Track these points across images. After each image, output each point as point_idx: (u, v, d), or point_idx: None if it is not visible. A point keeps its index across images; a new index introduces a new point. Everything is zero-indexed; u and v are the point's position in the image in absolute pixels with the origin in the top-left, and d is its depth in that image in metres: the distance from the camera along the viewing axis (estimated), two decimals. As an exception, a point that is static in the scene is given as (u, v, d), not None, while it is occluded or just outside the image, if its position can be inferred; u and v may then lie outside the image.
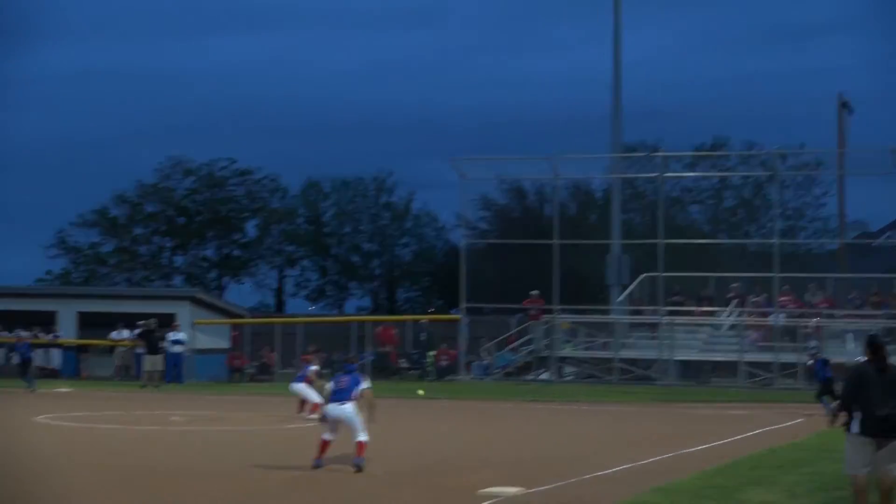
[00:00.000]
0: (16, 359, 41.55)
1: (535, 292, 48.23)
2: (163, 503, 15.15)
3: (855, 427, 13.28)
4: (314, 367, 29.72)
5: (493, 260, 61.43)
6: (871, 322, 42.70)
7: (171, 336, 44.43)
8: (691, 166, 67.46)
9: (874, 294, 45.64)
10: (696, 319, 47.22)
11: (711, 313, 47.37)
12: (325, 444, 18.63)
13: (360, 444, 18.23)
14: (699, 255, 53.24)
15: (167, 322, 45.45)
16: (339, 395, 18.57)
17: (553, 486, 16.70)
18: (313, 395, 28.66)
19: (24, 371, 40.35)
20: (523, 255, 56.33)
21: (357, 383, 18.70)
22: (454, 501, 15.08)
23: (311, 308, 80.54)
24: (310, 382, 28.86)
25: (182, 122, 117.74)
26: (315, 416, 28.23)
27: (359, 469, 17.85)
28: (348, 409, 18.44)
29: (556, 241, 47.86)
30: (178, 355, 44.58)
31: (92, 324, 48.76)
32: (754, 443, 23.25)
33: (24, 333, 44.68)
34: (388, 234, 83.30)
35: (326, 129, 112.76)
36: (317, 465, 18.39)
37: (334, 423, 18.57)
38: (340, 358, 21.06)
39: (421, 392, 34.27)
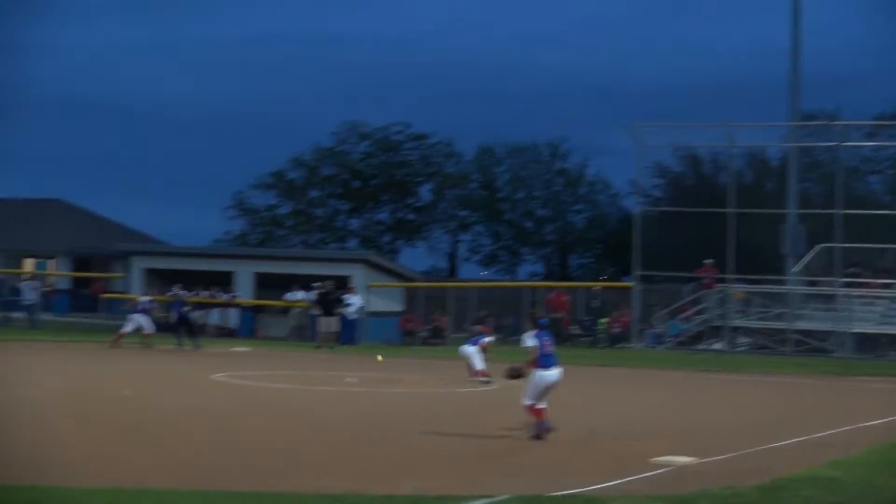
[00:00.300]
0: (173, 317, 41.78)
1: (709, 261, 47.68)
2: (343, 463, 15.40)
3: None
4: (489, 339, 30.06)
5: (667, 228, 60.86)
6: None
7: (346, 298, 45.03)
8: (871, 135, 65.81)
9: None
10: (874, 291, 46.22)
11: (890, 286, 46.33)
12: (541, 412, 17.92)
13: (543, 411, 17.94)
14: (878, 226, 51.96)
15: (342, 284, 46.09)
16: (550, 360, 17.99)
17: (725, 456, 16.55)
18: (478, 362, 28.95)
19: (180, 329, 40.64)
20: (697, 223, 55.76)
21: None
22: (627, 468, 15.04)
23: (484, 273, 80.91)
24: (483, 350, 29.19)
25: (358, 86, 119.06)
26: (484, 379, 28.48)
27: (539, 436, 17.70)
28: (560, 374, 18.04)
29: (730, 210, 47.29)
30: (352, 318, 45.19)
31: (268, 285, 49.71)
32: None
33: (180, 291, 45.39)
34: (561, 200, 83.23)
35: (501, 95, 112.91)
36: (545, 429, 17.67)
37: (547, 391, 17.99)
38: (528, 313, 19.84)
39: (380, 358, 33.77)
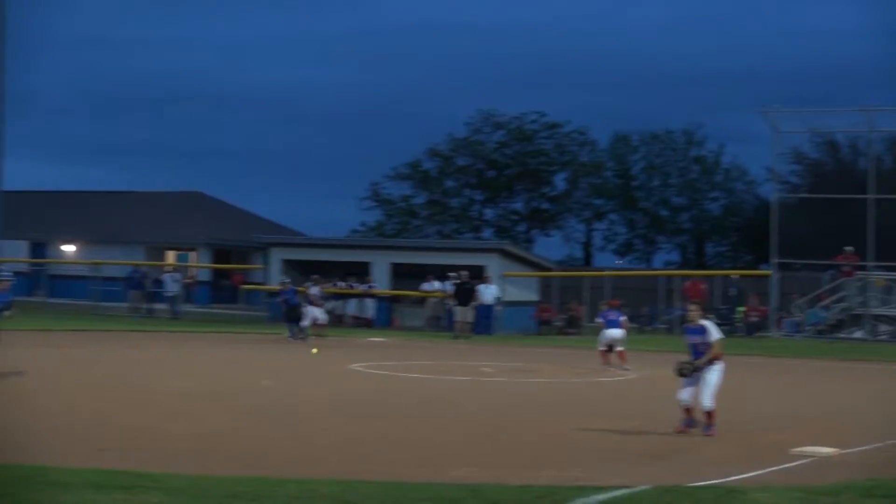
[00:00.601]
0: (284, 306, 40.80)
1: (849, 248, 46.78)
2: (480, 452, 15.46)
3: None
4: (625, 317, 30.13)
5: (805, 215, 59.86)
6: None
7: (482, 288, 45.10)
8: None
9: None
10: None
11: None
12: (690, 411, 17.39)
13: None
14: None
15: (477, 274, 46.16)
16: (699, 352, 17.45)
17: (868, 447, 16.28)
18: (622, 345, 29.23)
19: (292, 317, 40.03)
20: (836, 210, 54.74)
21: None
22: (767, 459, 14.87)
23: (619, 262, 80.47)
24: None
25: (492, 76, 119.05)
26: (625, 368, 28.48)
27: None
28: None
29: (870, 196, 46.37)
30: (488, 307, 45.23)
31: (404, 275, 49.97)
32: None
33: (286, 280, 45.43)
34: (697, 187, 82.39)
35: (635, 82, 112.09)
36: (688, 425, 17.25)
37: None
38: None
39: (314, 351, 33.30)
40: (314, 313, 40.47)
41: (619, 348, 29.89)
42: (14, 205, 64.19)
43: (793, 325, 46.01)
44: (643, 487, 12.30)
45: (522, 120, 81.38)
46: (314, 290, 41.95)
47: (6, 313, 22.50)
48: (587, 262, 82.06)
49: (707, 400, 17.16)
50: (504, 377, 27.57)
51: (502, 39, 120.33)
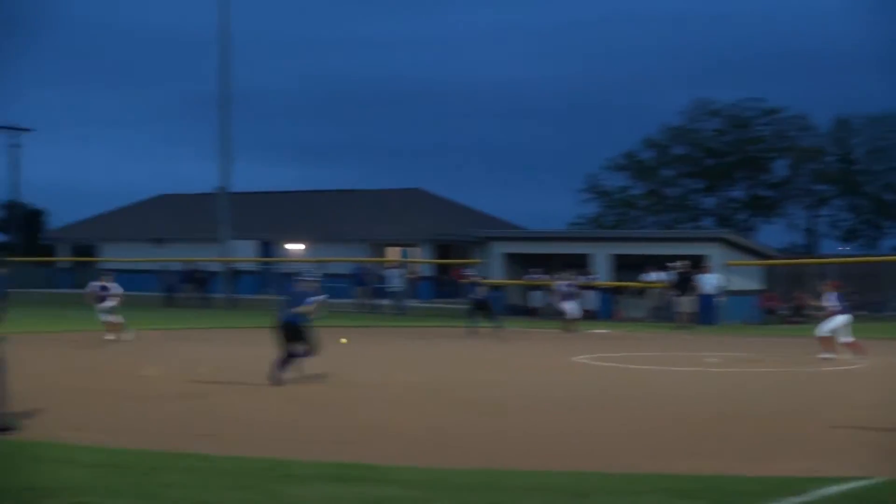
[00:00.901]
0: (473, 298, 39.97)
1: None
2: (711, 444, 15.35)
3: None
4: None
5: None
6: None
7: (704, 278, 44.63)
8: None
9: None
10: None
11: None
12: None
13: None
14: None
15: (698, 264, 45.72)
16: None
17: None
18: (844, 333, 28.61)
19: (477, 311, 39.16)
20: None
21: None
22: None
23: (844, 248, 78.72)
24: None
25: (708, 63, 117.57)
26: (830, 356, 27.93)
27: None
28: None
29: None
30: (710, 297, 44.76)
31: (623, 266, 49.82)
32: None
33: (470, 272, 44.77)
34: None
35: (856, 64, 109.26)
36: None
37: None
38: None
39: (343, 340, 32.16)
40: (569, 307, 40.58)
41: (844, 338, 29.18)
42: (243, 206, 66.37)
43: None
44: (882, 479, 12.05)
45: (739, 107, 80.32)
46: (561, 284, 41.99)
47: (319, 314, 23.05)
48: (811, 249, 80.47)
49: None
50: (729, 367, 27.25)
51: (710, 29, 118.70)
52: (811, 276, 48.66)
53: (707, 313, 44.33)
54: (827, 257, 59.17)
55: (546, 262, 50.34)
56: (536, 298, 50.72)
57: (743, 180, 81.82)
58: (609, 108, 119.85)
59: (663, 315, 46.25)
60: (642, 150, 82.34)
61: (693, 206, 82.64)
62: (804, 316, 46.76)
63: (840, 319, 29.10)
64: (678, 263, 44.70)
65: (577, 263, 50.02)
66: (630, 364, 27.70)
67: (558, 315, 41.28)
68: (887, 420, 17.35)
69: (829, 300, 29.43)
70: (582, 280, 48.94)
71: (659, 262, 47.47)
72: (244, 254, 65.20)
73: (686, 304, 43.38)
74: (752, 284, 49.43)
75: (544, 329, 40.62)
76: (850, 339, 29.17)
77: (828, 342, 28.92)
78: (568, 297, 41.01)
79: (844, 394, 21.81)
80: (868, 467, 12.90)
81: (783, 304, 48.80)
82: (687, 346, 33.48)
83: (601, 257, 50.29)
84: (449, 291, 59.16)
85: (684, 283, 43.75)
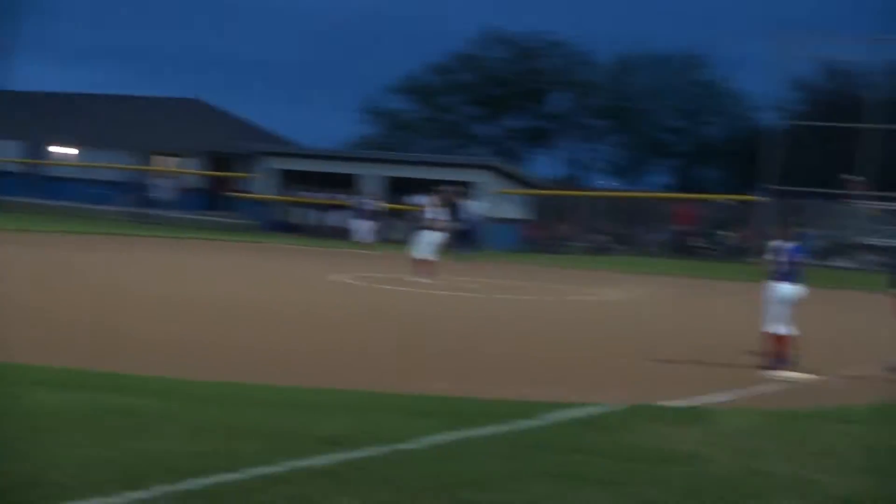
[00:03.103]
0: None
1: (859, 178, 46.23)
2: (453, 367, 15.45)
3: None
4: None
5: (802, 143, 59.73)
6: None
7: (469, 204, 44.94)
8: None
9: None
10: None
11: None
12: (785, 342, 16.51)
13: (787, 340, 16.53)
14: None
15: (468, 190, 46.05)
16: (791, 275, 16.69)
17: (844, 373, 16.37)
18: None
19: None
20: (833, 138, 54.70)
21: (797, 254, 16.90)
22: (742, 383, 14.91)
23: (612, 183, 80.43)
24: None
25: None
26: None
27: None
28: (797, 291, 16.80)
29: (870, 126, 46.20)
30: (475, 223, 45.13)
31: (396, 189, 49.85)
32: None
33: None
34: (695, 111, 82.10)
35: (639, 3, 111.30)
36: (784, 363, 16.20)
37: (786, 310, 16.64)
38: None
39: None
40: (363, 228, 40.19)
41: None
42: (12, 105, 64.01)
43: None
44: (614, 405, 12.30)
45: (527, 38, 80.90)
46: (365, 202, 41.47)
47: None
48: (580, 182, 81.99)
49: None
50: (486, 294, 27.53)
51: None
52: (576, 207, 49.64)
53: (471, 239, 44.72)
54: (595, 191, 60.38)
55: (317, 180, 50.09)
56: (307, 216, 50.43)
57: (521, 110, 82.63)
58: (399, 30, 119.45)
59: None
60: (427, 75, 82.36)
61: (470, 134, 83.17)
62: (566, 246, 47.73)
63: (438, 237, 29.40)
64: (445, 188, 44.85)
65: (348, 183, 49.88)
66: (389, 286, 27.75)
67: (347, 234, 41.02)
68: (634, 350, 17.79)
69: (437, 214, 29.75)
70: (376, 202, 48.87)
71: (429, 187, 47.62)
72: (7, 155, 63.09)
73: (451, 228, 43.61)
74: (519, 213, 50.07)
75: (313, 247, 40.37)
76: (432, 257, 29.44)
77: (428, 265, 29.20)
78: (364, 216, 40.74)
79: (597, 322, 22.28)
80: (606, 395, 13.16)
81: (546, 233, 49.58)
82: (448, 271, 33.69)
83: (373, 178, 50.22)
84: (220, 204, 58.39)
85: (450, 209, 43.93)
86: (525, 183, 51.96)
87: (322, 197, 49.41)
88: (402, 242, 46.96)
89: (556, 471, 9.17)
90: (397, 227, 49.67)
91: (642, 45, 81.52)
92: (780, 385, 15.10)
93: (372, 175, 50.29)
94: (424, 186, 47.76)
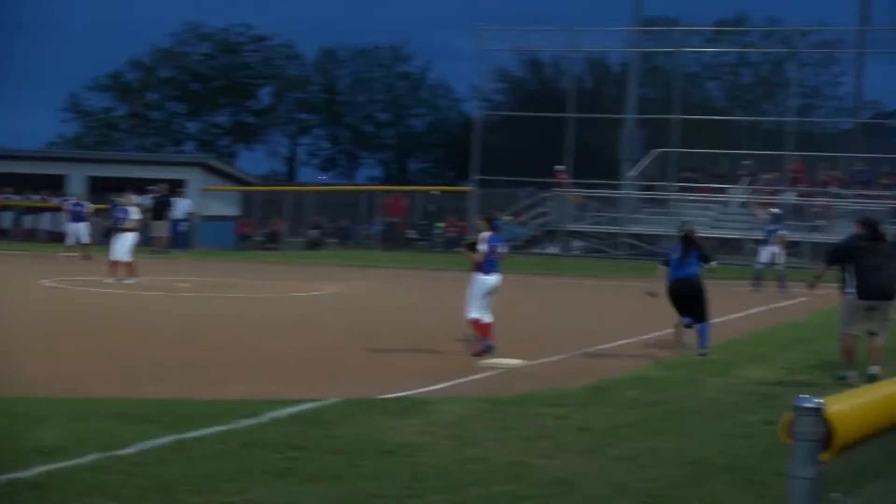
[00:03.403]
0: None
1: (559, 167, 47.58)
2: (170, 368, 15.29)
3: (850, 290, 15.11)
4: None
5: (508, 133, 61.07)
6: (880, 203, 42.71)
7: (178, 203, 44.43)
8: (711, 41, 66.40)
9: (887, 174, 45.39)
10: (707, 196, 47.17)
11: (722, 190, 47.33)
12: (487, 328, 16.93)
13: (489, 326, 16.96)
14: (714, 132, 52.93)
15: (178, 188, 45.49)
16: (494, 265, 17.11)
17: (555, 358, 16.85)
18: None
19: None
20: (538, 128, 56.11)
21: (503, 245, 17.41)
22: (456, 372, 15.22)
23: (322, 177, 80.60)
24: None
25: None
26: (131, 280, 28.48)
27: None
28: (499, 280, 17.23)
29: (570, 115, 47.66)
30: (184, 222, 44.64)
31: (102, 189, 48.77)
32: (757, 321, 23.38)
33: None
34: (402, 103, 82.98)
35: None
36: (488, 348, 16.69)
37: (488, 299, 17.06)
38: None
39: None
40: (78, 231, 38.93)
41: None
42: None
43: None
44: (332, 400, 12.39)
45: (229, 32, 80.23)
46: (74, 204, 40.15)
47: None
48: (290, 177, 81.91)
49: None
50: (199, 292, 27.31)
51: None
52: (289, 203, 49.61)
53: (180, 238, 44.21)
54: (305, 185, 60.45)
55: (19, 181, 48.58)
56: (15, 220, 48.85)
57: (228, 106, 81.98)
58: (98, 26, 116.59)
59: (141, 239, 45.60)
60: (128, 71, 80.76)
61: (177, 131, 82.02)
62: (279, 243, 47.67)
63: (131, 236, 29.44)
64: (156, 187, 44.28)
65: (53, 185, 48.59)
66: (98, 288, 27.19)
67: (62, 237, 39.82)
68: (352, 343, 17.93)
69: (127, 214, 29.76)
70: (55, 202, 47.66)
71: (139, 186, 46.80)
72: None
73: (161, 228, 43.07)
74: (231, 210, 49.74)
75: (22, 252, 39.12)
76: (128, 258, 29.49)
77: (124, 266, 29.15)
78: (77, 218, 39.56)
79: (312, 318, 22.36)
80: (323, 390, 13.25)
81: (259, 230, 49.40)
82: (161, 271, 33.24)
83: (78, 178, 49.02)
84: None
85: (160, 208, 43.40)
86: (237, 180, 51.65)
87: (31, 199, 47.92)
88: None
89: (276, 469, 9.21)
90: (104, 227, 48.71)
91: (348, 38, 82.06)
92: (494, 372, 15.48)
93: (78, 175, 49.06)
94: (133, 185, 47.02)
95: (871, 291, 15.01)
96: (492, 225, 17.35)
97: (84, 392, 12.77)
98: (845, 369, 15.12)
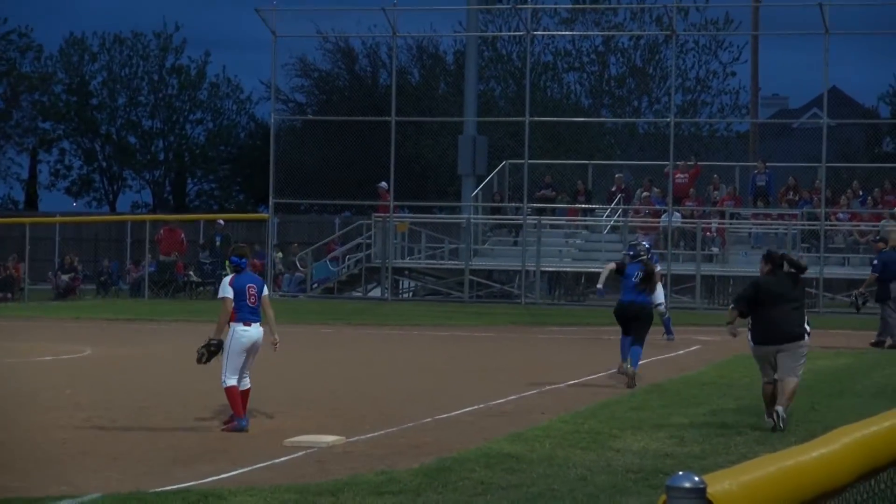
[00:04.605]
0: None
1: (383, 184, 47.00)
2: None
3: (754, 338, 17.14)
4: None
5: (313, 143, 61.27)
6: (785, 224, 43.71)
7: None
8: (569, 22, 67.22)
9: (791, 187, 46.05)
10: (571, 220, 47.71)
11: (589, 212, 47.90)
12: (238, 397, 17.14)
13: (245, 395, 17.27)
14: (576, 138, 53.80)
15: None
16: (251, 313, 17.24)
17: (382, 432, 16.92)
18: None
19: None
20: (351, 136, 56.33)
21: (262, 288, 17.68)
22: (258, 453, 15.21)
23: (74, 204, 79.68)
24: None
25: None
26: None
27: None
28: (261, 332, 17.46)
29: (393, 118, 47.27)
30: None
31: None
32: (640, 377, 23.74)
33: None
34: (175, 106, 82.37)
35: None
36: (241, 427, 16.93)
37: (247, 358, 17.29)
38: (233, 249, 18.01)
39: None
40: None
41: None
42: None
43: (294, 283, 46.92)
44: (92, 496, 12.30)
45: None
46: None
47: None
48: (31, 205, 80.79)
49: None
50: None
51: None
52: (30, 239, 48.92)
53: None
54: (50, 216, 59.68)
55: None
56: None
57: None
58: None
59: None
60: None
61: None
62: (17, 290, 46.98)
63: None
64: None
65: None
66: None
67: None
68: (109, 423, 17.75)
69: None
70: None
71: None
72: None
73: None
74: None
75: None
76: None
77: None
78: None
79: (62, 391, 22.08)
80: (79, 482, 13.15)
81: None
82: None
83: None
84: None
85: None
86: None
87: None
88: None
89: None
90: None
91: (99, 23, 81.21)
92: (303, 452, 15.47)
93: None
94: None
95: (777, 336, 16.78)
96: (233, 262, 17.59)
97: None
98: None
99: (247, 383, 17.23)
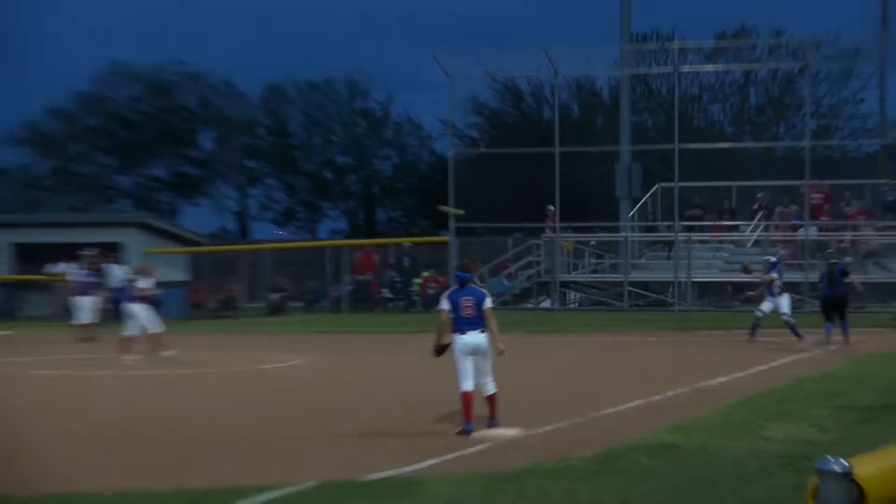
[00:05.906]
0: None
1: (550, 208, 47.22)
2: (121, 458, 15.44)
3: None
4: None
5: (486, 173, 61.40)
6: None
7: (111, 269, 44.28)
8: (712, 58, 66.78)
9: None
10: (717, 235, 47.51)
11: (734, 228, 47.67)
12: (489, 400, 17.15)
13: (493, 398, 17.21)
14: (720, 162, 53.42)
15: (113, 252, 45.49)
16: (467, 323, 17.11)
17: (557, 426, 17.03)
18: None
19: None
20: (520, 166, 56.49)
21: (482, 300, 17.30)
22: (448, 445, 15.41)
23: (280, 233, 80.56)
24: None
25: (117, 20, 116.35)
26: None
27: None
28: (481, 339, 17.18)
29: (557, 149, 47.51)
30: (121, 291, 44.44)
31: (27, 256, 48.78)
32: (781, 374, 23.64)
33: None
34: (364, 144, 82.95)
35: (288, 21, 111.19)
36: (468, 430, 16.62)
37: (471, 363, 17.08)
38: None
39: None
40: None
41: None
42: None
43: (475, 297, 47.08)
44: (309, 484, 12.59)
45: (159, 70, 79.83)
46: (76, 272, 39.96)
47: None
48: (243, 234, 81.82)
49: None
50: (149, 370, 27.43)
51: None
52: (243, 264, 49.76)
53: (117, 309, 43.98)
54: (260, 243, 60.57)
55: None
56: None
57: (164, 156, 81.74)
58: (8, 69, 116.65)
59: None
60: (46, 121, 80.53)
61: (108, 186, 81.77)
62: (235, 309, 47.76)
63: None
64: (85, 251, 44.15)
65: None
66: (37, 369, 27.31)
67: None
68: (322, 421, 18.12)
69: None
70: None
71: (70, 252, 46.81)
72: None
73: (95, 300, 42.88)
74: (177, 275, 49.82)
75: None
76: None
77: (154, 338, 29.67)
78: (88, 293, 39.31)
79: (271, 395, 22.49)
80: (299, 473, 13.43)
81: (212, 296, 49.52)
82: (99, 348, 33.33)
83: (1, 247, 49.16)
84: None
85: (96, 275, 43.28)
86: (182, 240, 51.80)
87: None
88: (41, 319, 46.10)
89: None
90: (33, 300, 48.69)
91: (295, 71, 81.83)
92: (488, 444, 15.68)
93: (1, 243, 49.18)
94: (65, 251, 47.06)
95: None
96: (456, 276, 17.63)
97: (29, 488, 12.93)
98: None
99: (490, 388, 17.15)
